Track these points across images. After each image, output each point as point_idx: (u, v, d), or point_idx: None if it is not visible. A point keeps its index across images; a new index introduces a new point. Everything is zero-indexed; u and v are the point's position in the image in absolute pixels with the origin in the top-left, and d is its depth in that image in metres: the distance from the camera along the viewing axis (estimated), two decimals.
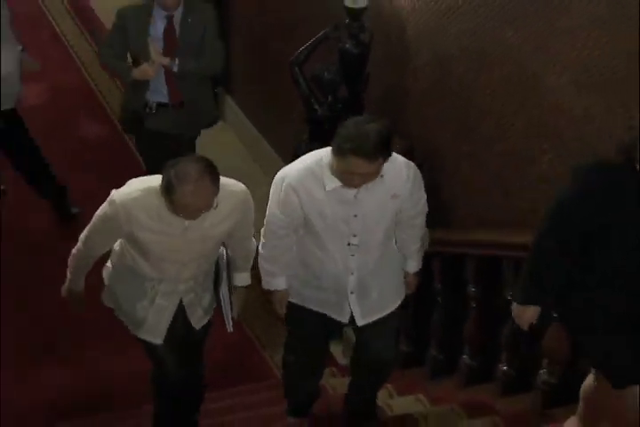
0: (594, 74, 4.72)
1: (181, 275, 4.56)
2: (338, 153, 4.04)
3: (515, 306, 4.33)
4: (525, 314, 4.29)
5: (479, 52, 5.46)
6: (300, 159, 4.37)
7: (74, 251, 4.65)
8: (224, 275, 4.71)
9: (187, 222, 4.26)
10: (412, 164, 4.42)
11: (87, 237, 4.55)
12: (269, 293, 4.74)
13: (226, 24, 8.30)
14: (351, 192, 4.26)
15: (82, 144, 8.61)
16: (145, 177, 4.46)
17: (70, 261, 4.70)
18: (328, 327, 4.80)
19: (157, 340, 4.69)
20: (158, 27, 6.50)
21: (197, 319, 4.77)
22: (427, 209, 4.64)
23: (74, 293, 4.80)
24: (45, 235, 7.57)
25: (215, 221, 4.33)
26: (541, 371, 4.95)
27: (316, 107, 6.27)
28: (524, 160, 5.20)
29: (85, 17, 10.15)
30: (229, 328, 4.72)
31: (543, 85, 5.01)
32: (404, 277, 4.81)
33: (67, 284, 4.80)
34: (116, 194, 4.34)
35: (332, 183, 4.22)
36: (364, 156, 3.99)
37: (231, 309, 4.76)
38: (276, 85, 7.36)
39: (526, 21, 5.05)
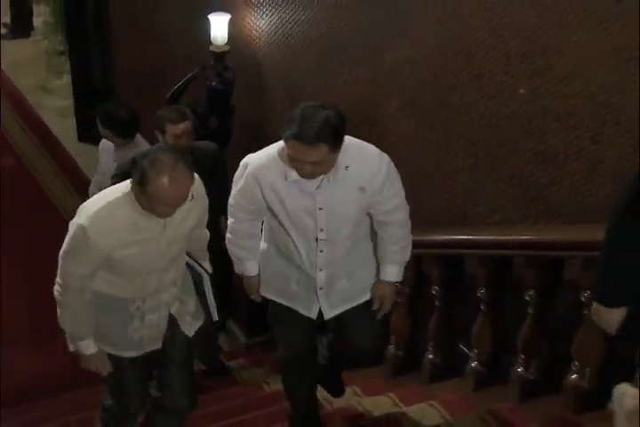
0: (417, 99, 4.88)
1: (163, 282, 3.64)
2: (283, 138, 3.34)
3: (595, 309, 3.14)
4: (611, 318, 3.10)
5: (323, 87, 5.58)
6: (267, 147, 3.61)
7: (58, 314, 3.57)
8: (205, 274, 3.91)
9: (163, 222, 3.40)
10: (385, 155, 3.56)
11: (64, 286, 3.49)
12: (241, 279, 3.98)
13: (111, 68, 8.30)
14: (313, 183, 3.47)
15: None
16: (94, 196, 3.51)
17: (62, 326, 3.61)
18: (302, 322, 3.90)
19: (158, 346, 3.77)
20: None
21: (188, 326, 3.82)
22: (407, 206, 3.71)
23: (90, 358, 3.68)
24: None
25: (184, 215, 3.48)
26: (390, 346, 4.90)
27: None
28: None
29: None
30: (215, 317, 3.92)
31: (380, 112, 5.15)
32: (376, 289, 3.84)
33: (78, 352, 3.68)
34: (79, 221, 3.35)
35: (294, 173, 3.45)
36: (304, 141, 3.26)
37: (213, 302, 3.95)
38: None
39: (359, 61, 5.20)
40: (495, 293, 4.23)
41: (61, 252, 3.43)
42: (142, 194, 3.26)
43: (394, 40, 4.97)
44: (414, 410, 4.19)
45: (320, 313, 3.81)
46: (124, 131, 5.30)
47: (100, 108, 5.51)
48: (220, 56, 6.14)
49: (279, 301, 3.83)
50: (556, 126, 4.23)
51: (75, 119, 8.71)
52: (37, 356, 6.16)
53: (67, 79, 8.95)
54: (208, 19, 6.10)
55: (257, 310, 4.33)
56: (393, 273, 3.81)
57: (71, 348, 3.68)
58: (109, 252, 3.37)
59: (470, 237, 4.40)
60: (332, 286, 3.75)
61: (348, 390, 4.52)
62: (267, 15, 5.98)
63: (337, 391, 4.40)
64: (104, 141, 5.59)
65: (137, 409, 3.95)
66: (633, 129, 3.88)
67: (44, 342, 6.10)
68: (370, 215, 3.68)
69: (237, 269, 3.87)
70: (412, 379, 4.71)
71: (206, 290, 3.90)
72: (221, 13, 6.12)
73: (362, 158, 3.51)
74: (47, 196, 8.23)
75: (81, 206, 3.44)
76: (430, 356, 4.62)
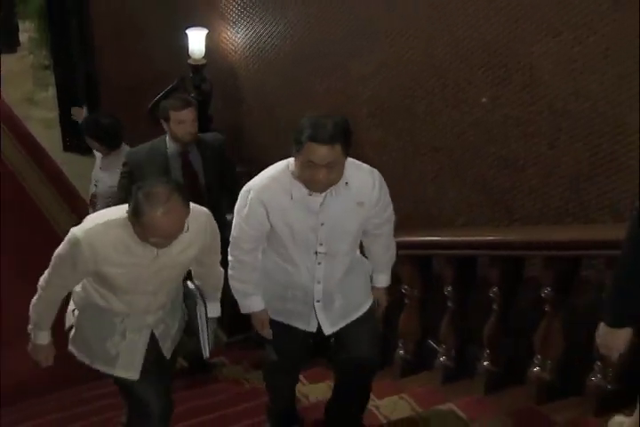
0: (385, 109, 4.89)
1: (151, 306, 3.50)
2: (297, 145, 3.22)
3: (601, 330, 2.92)
4: (616, 340, 2.91)
5: (296, 97, 5.60)
6: (265, 170, 3.48)
7: (34, 301, 3.49)
8: (200, 303, 3.66)
9: (156, 251, 3.25)
10: (376, 171, 3.51)
11: (48, 282, 3.41)
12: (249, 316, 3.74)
13: (94, 80, 8.28)
14: (317, 200, 3.37)
15: None
16: (102, 210, 3.42)
17: (31, 312, 3.53)
18: (301, 339, 3.78)
19: (134, 375, 3.57)
20: (174, 166, 4.90)
21: (167, 350, 3.66)
22: (394, 217, 3.67)
23: (41, 348, 3.61)
24: None
25: (183, 247, 3.31)
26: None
27: None
28: None
29: None
30: (206, 354, 3.71)
31: (351, 120, 5.15)
32: (373, 294, 3.78)
33: (32, 340, 3.61)
34: (76, 231, 3.24)
35: (299, 191, 3.35)
36: (321, 141, 3.17)
37: (208, 337, 3.72)
38: (138, 126, 7.38)
39: (329, 71, 5.21)
40: (461, 291, 4.25)
41: (55, 252, 3.34)
42: (137, 225, 3.12)
43: (362, 52, 4.99)
44: (386, 403, 4.20)
45: (318, 328, 3.67)
46: (107, 139, 5.28)
47: (84, 120, 5.49)
48: (197, 69, 6.18)
49: (277, 319, 3.67)
50: (515, 133, 4.26)
51: (60, 130, 8.72)
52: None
53: (52, 92, 8.92)
54: (186, 33, 6.13)
55: (237, 311, 4.31)
56: (384, 280, 3.79)
57: (29, 330, 3.60)
58: (96, 266, 3.27)
59: (437, 238, 4.42)
60: (329, 302, 3.62)
61: (324, 385, 4.53)
62: (242, 30, 6.00)
63: None
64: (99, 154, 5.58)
65: (160, 406, 3.64)
66: (587, 135, 3.92)
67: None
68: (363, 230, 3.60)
69: (243, 308, 3.67)
70: (384, 374, 4.69)
71: (201, 325, 3.67)
72: (199, 28, 6.16)
73: (358, 175, 3.43)
74: (35, 202, 8.21)
75: (88, 216, 3.35)
76: (401, 352, 4.63)
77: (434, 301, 4.47)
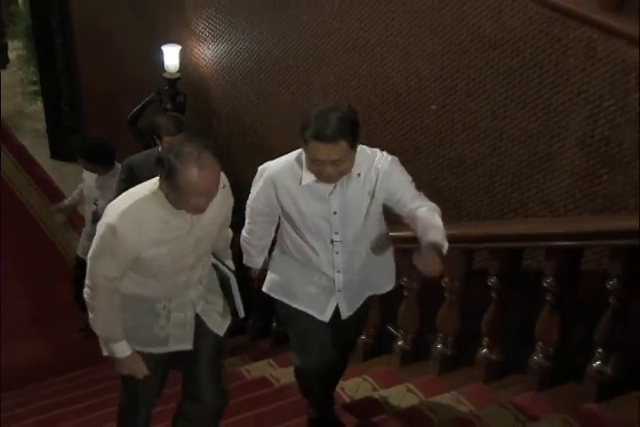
0: None
1: (190, 280, 3.20)
2: (302, 142, 2.99)
3: None
4: None
5: (263, 107, 5.59)
6: (284, 155, 3.26)
7: (91, 318, 3.13)
8: (223, 266, 3.45)
9: (191, 219, 2.97)
10: (385, 154, 3.21)
11: (94, 288, 3.05)
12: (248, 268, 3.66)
13: (78, 94, 8.24)
14: (327, 189, 3.13)
15: None
16: (120, 196, 3.04)
17: (95, 330, 3.18)
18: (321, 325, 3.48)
19: (188, 346, 3.29)
20: None
21: (218, 325, 3.36)
22: (421, 193, 3.23)
23: (126, 361, 3.22)
24: None
25: (215, 212, 3.05)
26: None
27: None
28: None
29: None
30: (241, 313, 3.45)
31: None
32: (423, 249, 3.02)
33: (116, 356, 3.21)
34: (109, 220, 2.91)
35: (308, 178, 3.11)
36: (324, 139, 2.91)
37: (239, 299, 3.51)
38: (118, 136, 7.34)
39: (292, 83, 5.21)
40: (417, 281, 4.26)
41: (90, 253, 3.01)
42: (173, 189, 2.83)
43: (321, 66, 4.99)
44: (350, 384, 4.21)
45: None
46: (99, 159, 5.14)
47: (75, 144, 5.40)
48: (172, 82, 6.17)
49: (294, 305, 3.43)
50: (462, 137, 4.29)
51: (47, 139, 8.72)
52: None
53: (40, 105, 8.90)
54: (162, 50, 6.11)
55: None
56: (435, 236, 3.03)
57: (105, 352, 3.24)
58: (138, 250, 2.95)
59: (393, 233, 4.43)
60: (349, 289, 3.39)
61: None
62: (212, 46, 5.99)
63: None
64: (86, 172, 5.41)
65: (148, 402, 3.44)
66: (526, 138, 3.95)
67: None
68: (400, 215, 3.25)
69: (246, 261, 3.61)
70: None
71: (232, 289, 3.43)
72: (173, 45, 6.15)
73: (369, 164, 3.15)
74: (24, 205, 8.19)
75: (108, 206, 3.00)
76: (363, 337, 4.64)
77: (392, 290, 4.48)
